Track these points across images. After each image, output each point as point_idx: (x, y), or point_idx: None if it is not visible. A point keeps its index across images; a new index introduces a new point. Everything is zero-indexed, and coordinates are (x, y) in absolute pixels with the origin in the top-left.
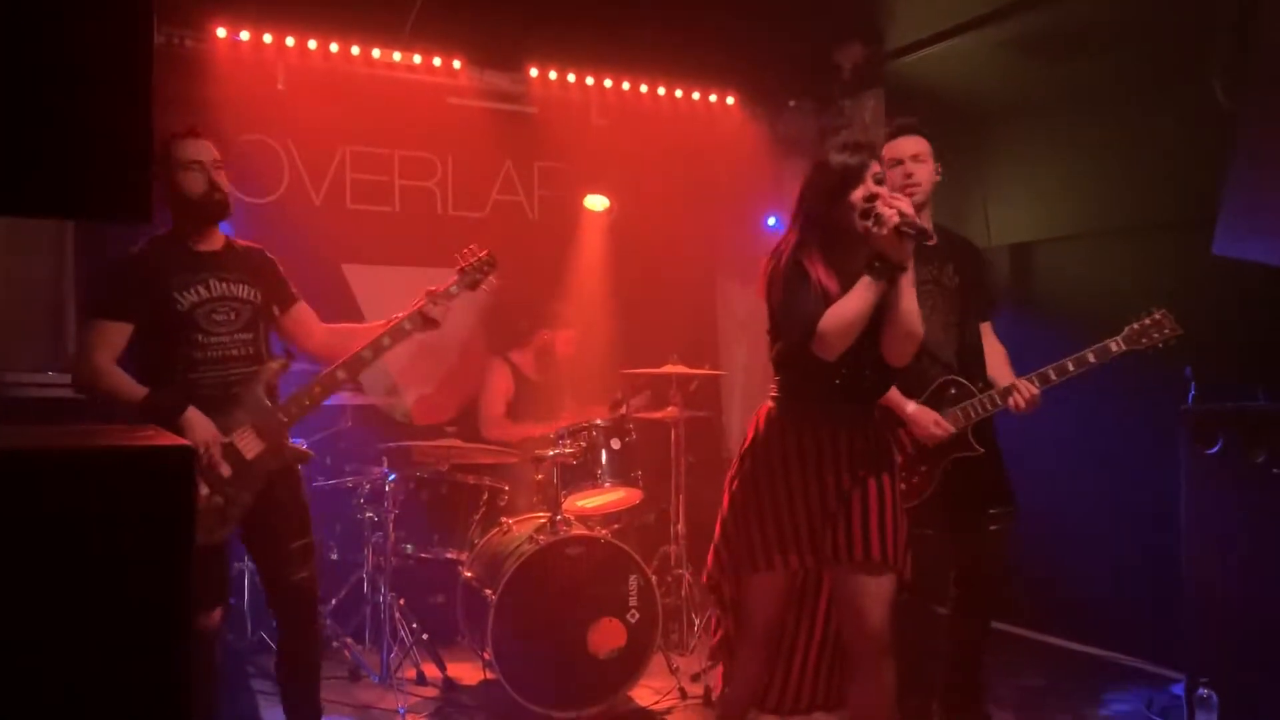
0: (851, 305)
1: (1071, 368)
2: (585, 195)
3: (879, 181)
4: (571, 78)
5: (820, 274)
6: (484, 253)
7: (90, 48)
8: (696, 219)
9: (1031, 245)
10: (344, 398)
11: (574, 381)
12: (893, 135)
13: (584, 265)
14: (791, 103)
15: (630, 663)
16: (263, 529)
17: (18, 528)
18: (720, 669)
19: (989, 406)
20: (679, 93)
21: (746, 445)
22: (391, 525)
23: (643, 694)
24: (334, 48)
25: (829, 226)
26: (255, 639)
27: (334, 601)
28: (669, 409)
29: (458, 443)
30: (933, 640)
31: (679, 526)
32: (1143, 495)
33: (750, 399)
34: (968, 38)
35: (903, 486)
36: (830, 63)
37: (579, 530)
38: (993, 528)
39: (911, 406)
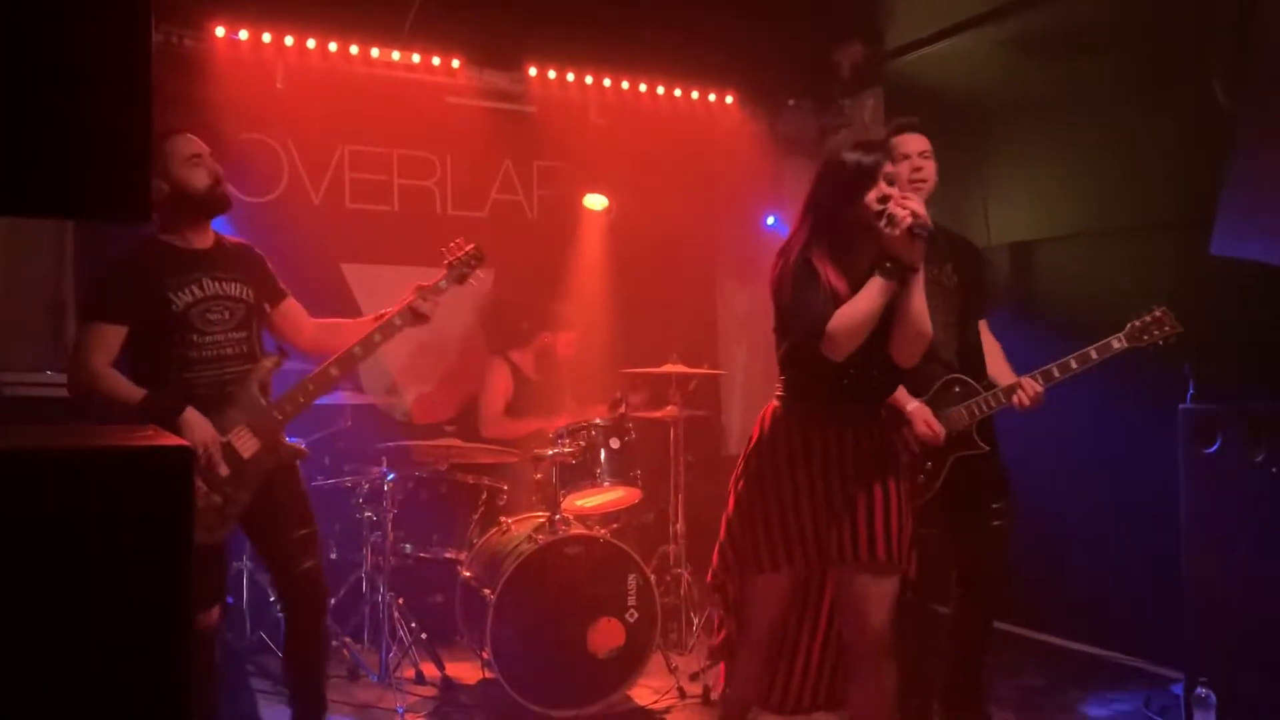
0: (862, 305)
1: (1074, 365)
2: (584, 194)
3: (890, 182)
4: (570, 77)
5: (830, 273)
6: (470, 246)
7: (89, 47)
8: (696, 218)
9: (1031, 244)
10: (343, 397)
11: (574, 381)
12: (897, 132)
13: (583, 264)
14: (791, 102)
15: (629, 662)
16: (264, 524)
17: (17, 527)
18: (721, 668)
19: (993, 404)
20: (678, 92)
21: (752, 445)
22: (390, 525)
23: (641, 693)
24: (333, 47)
25: (840, 226)
26: (255, 638)
27: (333, 601)
28: (668, 408)
29: (457, 442)
30: (933, 640)
31: (678, 526)
32: (1142, 494)
33: (749, 398)
34: (967, 37)
35: (908, 486)
36: (830, 62)
37: (578, 530)
38: (995, 523)
39: (912, 404)
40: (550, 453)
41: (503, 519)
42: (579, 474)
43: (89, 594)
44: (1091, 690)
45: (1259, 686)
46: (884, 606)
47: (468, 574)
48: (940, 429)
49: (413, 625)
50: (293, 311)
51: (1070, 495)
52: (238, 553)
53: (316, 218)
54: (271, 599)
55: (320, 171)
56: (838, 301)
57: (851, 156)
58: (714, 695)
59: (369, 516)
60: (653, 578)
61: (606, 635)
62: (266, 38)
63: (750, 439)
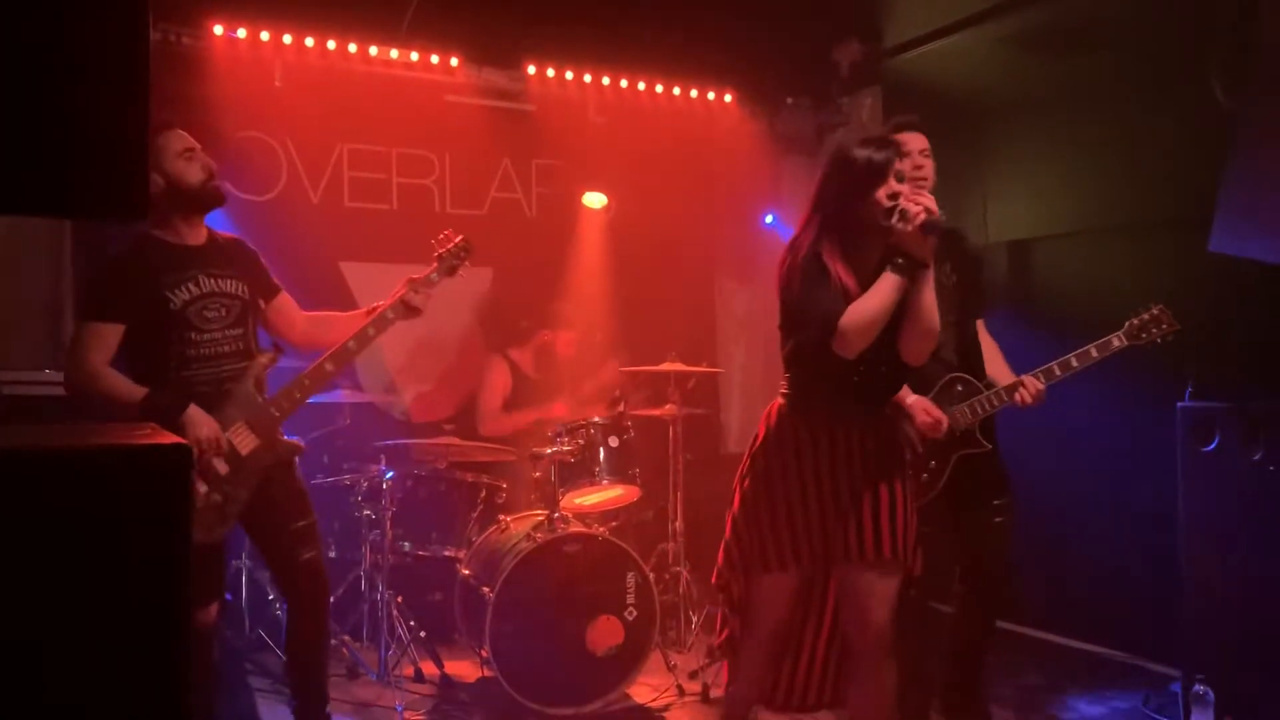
0: (874, 302)
1: (1075, 363)
2: (583, 193)
3: (900, 179)
4: (569, 75)
5: (840, 270)
6: (459, 238)
7: (87, 45)
8: (695, 216)
9: (1030, 243)
10: (342, 395)
11: (573, 379)
12: (896, 131)
13: (582, 263)
14: (790, 100)
15: (628, 660)
16: (263, 519)
17: (15, 526)
18: (724, 667)
19: (995, 403)
20: (677, 90)
21: (758, 443)
22: (389, 523)
23: (640, 691)
24: (331, 45)
25: (849, 222)
26: (253, 636)
27: (332, 599)
28: (667, 406)
29: (456, 440)
30: (934, 638)
31: (677, 524)
32: (1140, 493)
33: (748, 396)
34: (966, 35)
35: (913, 484)
36: (828, 60)
37: (577, 528)
38: (996, 520)
39: (911, 397)
40: (549, 451)
41: (501, 517)
42: (578, 472)
43: (88, 593)
44: (1090, 688)
45: (1257, 685)
46: (886, 604)
47: (466, 572)
48: (942, 416)
49: (411, 623)
50: (285, 306)
51: (1069, 494)
52: (236, 551)
53: (315, 216)
54: (270, 597)
55: (319, 170)
56: (848, 298)
57: (862, 153)
58: (713, 693)
59: (368, 515)
60: (651, 576)
61: (605, 633)
62: (265, 36)
63: (755, 437)
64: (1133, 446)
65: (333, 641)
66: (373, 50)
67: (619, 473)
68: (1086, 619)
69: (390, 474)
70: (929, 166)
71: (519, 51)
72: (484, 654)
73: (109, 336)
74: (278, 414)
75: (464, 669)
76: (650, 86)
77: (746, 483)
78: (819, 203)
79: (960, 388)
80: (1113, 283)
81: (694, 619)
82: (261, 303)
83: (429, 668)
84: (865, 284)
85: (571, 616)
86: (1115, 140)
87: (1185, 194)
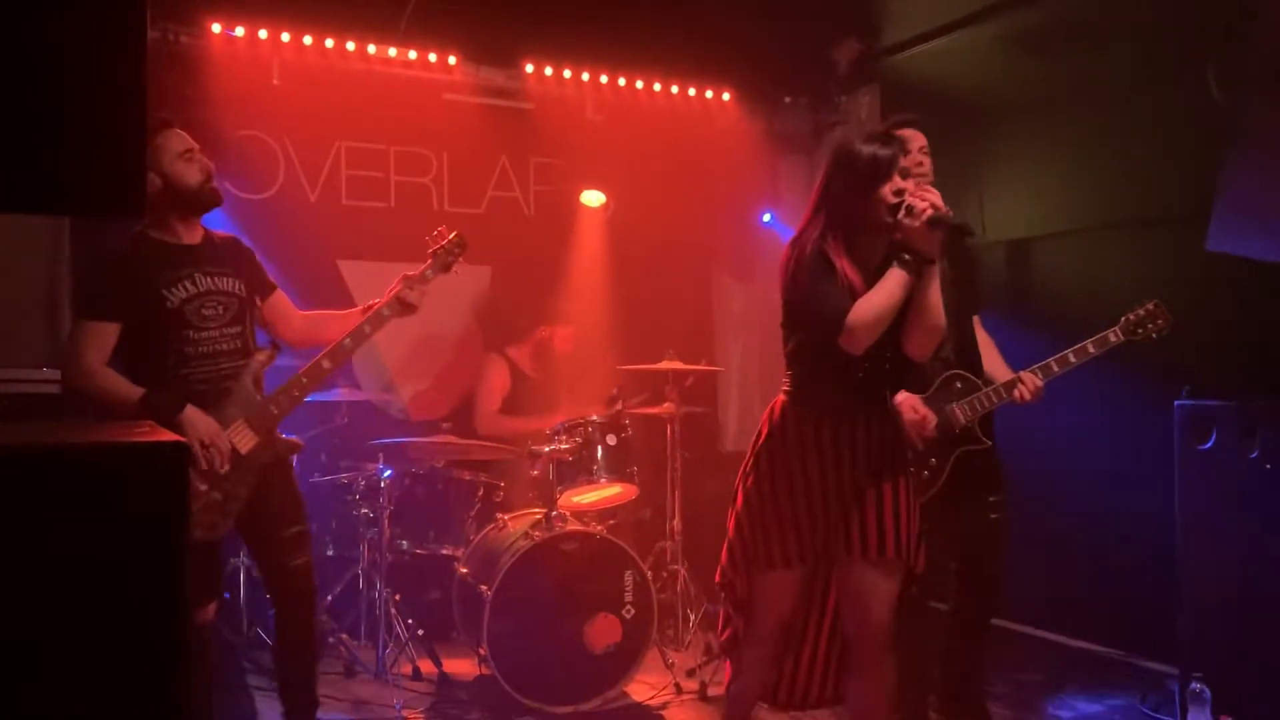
0: (881, 298)
1: (1072, 359)
2: (581, 191)
3: (905, 175)
4: (567, 73)
5: (845, 266)
6: (453, 234)
7: (84, 43)
8: (693, 215)
9: (1027, 241)
10: (340, 394)
11: (571, 378)
12: (897, 129)
13: (580, 261)
14: (788, 99)
15: (625, 658)
16: (258, 520)
17: (13, 524)
18: (726, 665)
19: (995, 400)
20: (675, 89)
21: (762, 440)
22: (387, 521)
23: (638, 689)
24: (329, 43)
25: (853, 218)
26: (251, 634)
27: (329, 597)
28: (665, 405)
29: (453, 439)
30: (931, 636)
31: (674, 522)
32: (1137, 491)
33: (746, 395)
34: (963, 33)
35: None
36: (826, 59)
37: (574, 526)
38: (992, 516)
39: (899, 395)
40: (547, 449)
41: (499, 515)
42: (576, 470)
43: (86, 591)
44: (1087, 686)
45: (1254, 682)
46: (887, 602)
47: (464, 570)
48: (929, 413)
49: (409, 621)
50: (281, 304)
51: (1066, 491)
52: (234, 549)
53: (313, 214)
54: (268, 595)
55: (317, 168)
56: (853, 295)
57: (867, 149)
58: (710, 691)
59: (365, 513)
60: (649, 574)
61: (603, 631)
62: (263, 34)
63: (759, 434)
64: (1130, 444)
65: (331, 640)
66: (371, 48)
67: (617, 471)
68: (1084, 617)
69: (388, 472)
70: (928, 165)
71: (517, 50)
72: (482, 652)
73: (106, 335)
74: (276, 412)
75: (462, 667)
76: (648, 85)
77: (750, 480)
78: (823, 199)
79: (959, 385)
80: (1110, 281)
81: (692, 617)
82: (258, 301)
83: (427, 666)
84: (870, 281)
85: (569, 615)
86: (1113, 138)
87: (1182, 192)
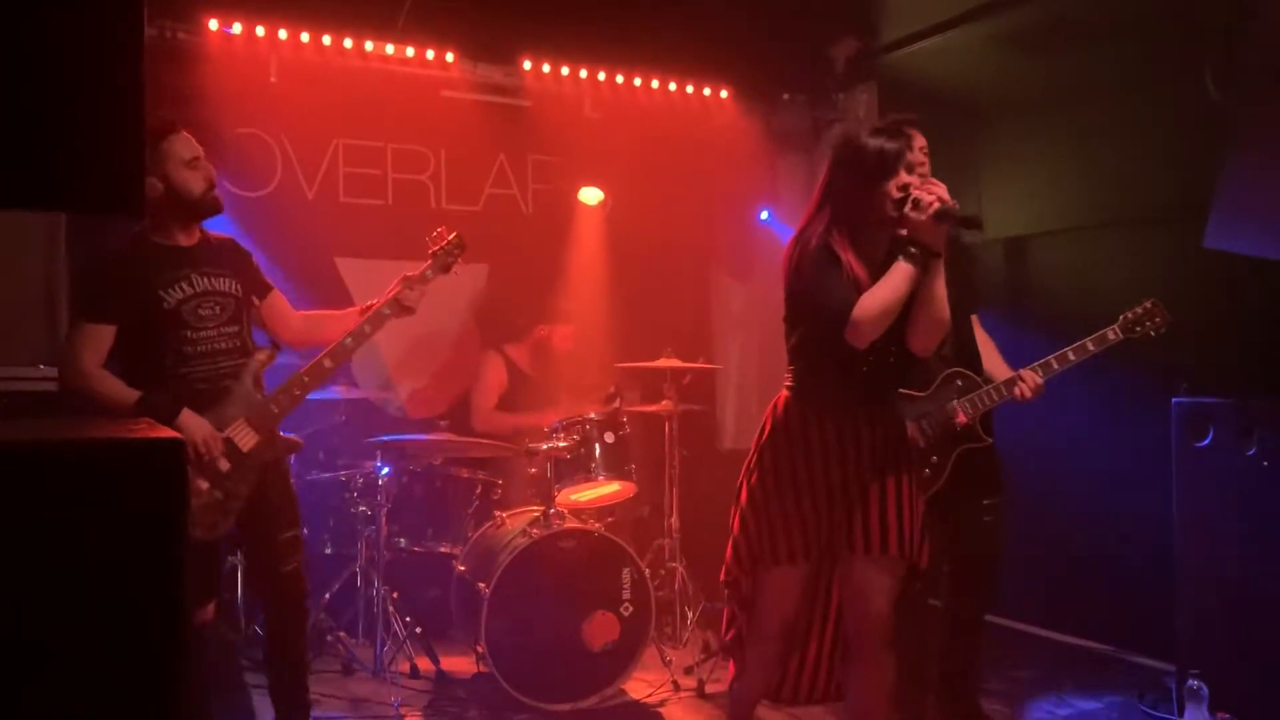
0: (887, 291)
1: (1072, 356)
2: (579, 189)
3: (910, 170)
4: (565, 71)
5: (850, 259)
6: (453, 235)
7: (81, 40)
8: (690, 212)
9: (1025, 239)
10: (338, 392)
11: (569, 376)
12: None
13: (578, 259)
14: (786, 96)
15: (623, 656)
16: (256, 521)
17: (10, 521)
18: (730, 663)
19: (995, 397)
20: (673, 86)
21: (765, 436)
22: (385, 519)
23: (636, 687)
24: (326, 40)
25: (858, 213)
26: (249, 632)
27: (327, 595)
28: (663, 402)
29: (451, 436)
30: (928, 632)
31: (672, 520)
32: (1135, 488)
33: (744, 392)
34: (961, 31)
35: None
36: (824, 57)
37: (572, 524)
38: (986, 519)
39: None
40: (545, 447)
41: (497, 513)
42: (574, 468)
43: (83, 588)
44: (1083, 683)
45: (1251, 679)
46: (887, 598)
47: (462, 568)
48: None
49: (407, 619)
50: (279, 304)
51: (1063, 489)
52: (231, 548)
53: (310, 212)
54: (258, 597)
55: (314, 165)
56: (859, 289)
57: (874, 143)
58: (708, 688)
59: (363, 511)
60: (647, 571)
61: (601, 629)
62: (260, 31)
63: (762, 430)
64: (1127, 442)
65: (328, 637)
66: (368, 45)
67: (615, 469)
68: (1081, 614)
69: (386, 470)
70: (927, 165)
71: (515, 47)
72: (480, 649)
73: (102, 337)
74: (277, 410)
75: (460, 664)
76: (646, 82)
77: (754, 477)
78: (828, 193)
79: (960, 382)
80: (1108, 279)
81: (689, 614)
82: (255, 301)
83: (425, 663)
84: (874, 276)
85: (567, 612)
86: (1110, 136)
87: (1179, 189)
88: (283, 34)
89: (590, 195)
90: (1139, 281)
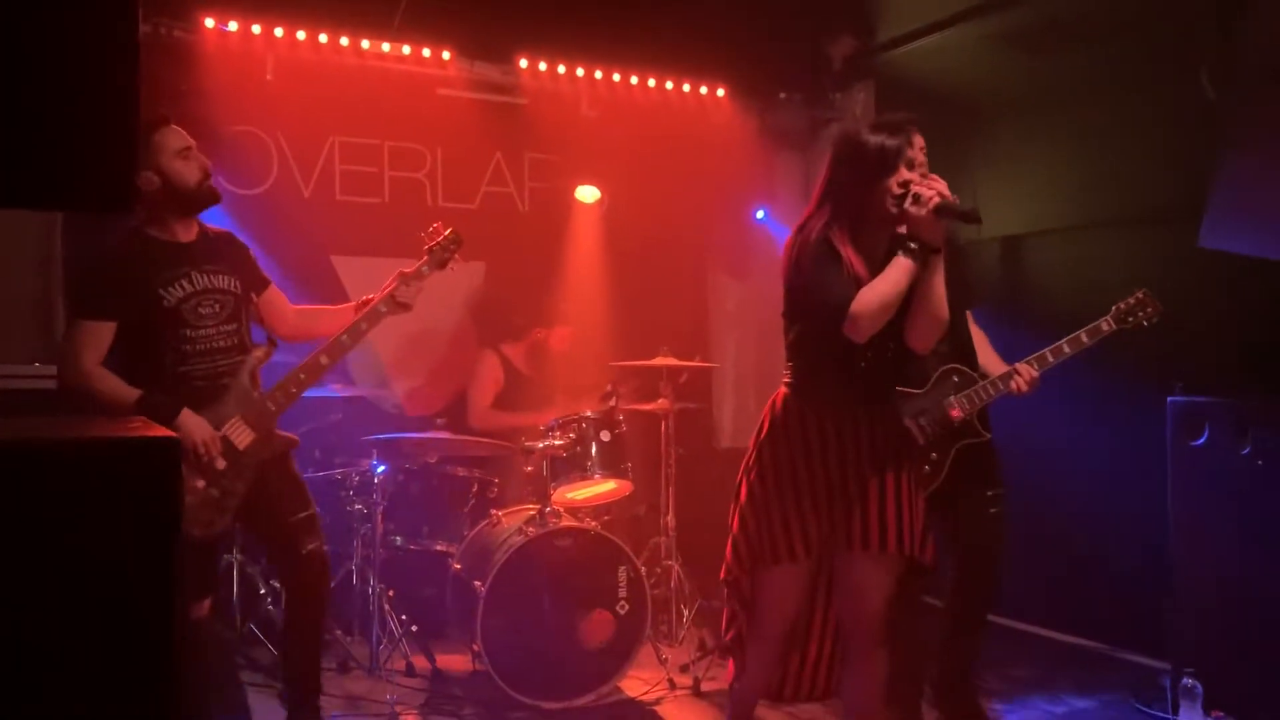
0: (886, 285)
1: (1066, 349)
2: (576, 187)
3: (911, 166)
4: (562, 69)
5: (851, 255)
6: (449, 231)
7: (76, 37)
8: (687, 211)
9: (1021, 238)
10: (334, 389)
11: (566, 374)
12: None
13: (574, 257)
14: (782, 95)
15: (619, 654)
16: (261, 512)
17: (3, 520)
18: (730, 663)
19: (992, 392)
20: (669, 84)
21: (764, 433)
22: (380, 517)
23: (632, 685)
24: (323, 38)
25: (859, 209)
26: (245, 630)
27: None
28: (659, 401)
29: (447, 435)
30: (926, 631)
31: (668, 518)
32: (1130, 487)
33: (741, 391)
34: (958, 30)
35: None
36: (821, 55)
37: (568, 522)
38: (991, 510)
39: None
40: (541, 445)
41: (493, 511)
42: (570, 466)
43: (76, 586)
44: (1079, 681)
45: (1245, 677)
46: (882, 595)
47: (458, 566)
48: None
49: (403, 617)
50: (276, 299)
51: (1059, 487)
52: (226, 546)
53: (307, 210)
54: (262, 591)
55: (310, 163)
56: (858, 284)
57: (875, 139)
58: (704, 686)
59: (359, 509)
60: (643, 570)
61: (597, 627)
62: (256, 29)
63: (760, 427)
64: (1123, 441)
65: (324, 635)
66: (364, 44)
67: (611, 467)
68: (1076, 612)
69: (382, 468)
70: (925, 165)
71: (511, 45)
72: (476, 648)
73: (101, 335)
74: (274, 408)
75: (456, 663)
76: (643, 81)
77: (753, 474)
78: (828, 189)
79: (956, 378)
80: (1103, 278)
81: (685, 613)
82: (253, 296)
83: (421, 662)
84: (874, 273)
85: (563, 610)
86: (1106, 136)
87: (1176, 189)
88: (279, 32)
89: (587, 193)
90: (1134, 280)
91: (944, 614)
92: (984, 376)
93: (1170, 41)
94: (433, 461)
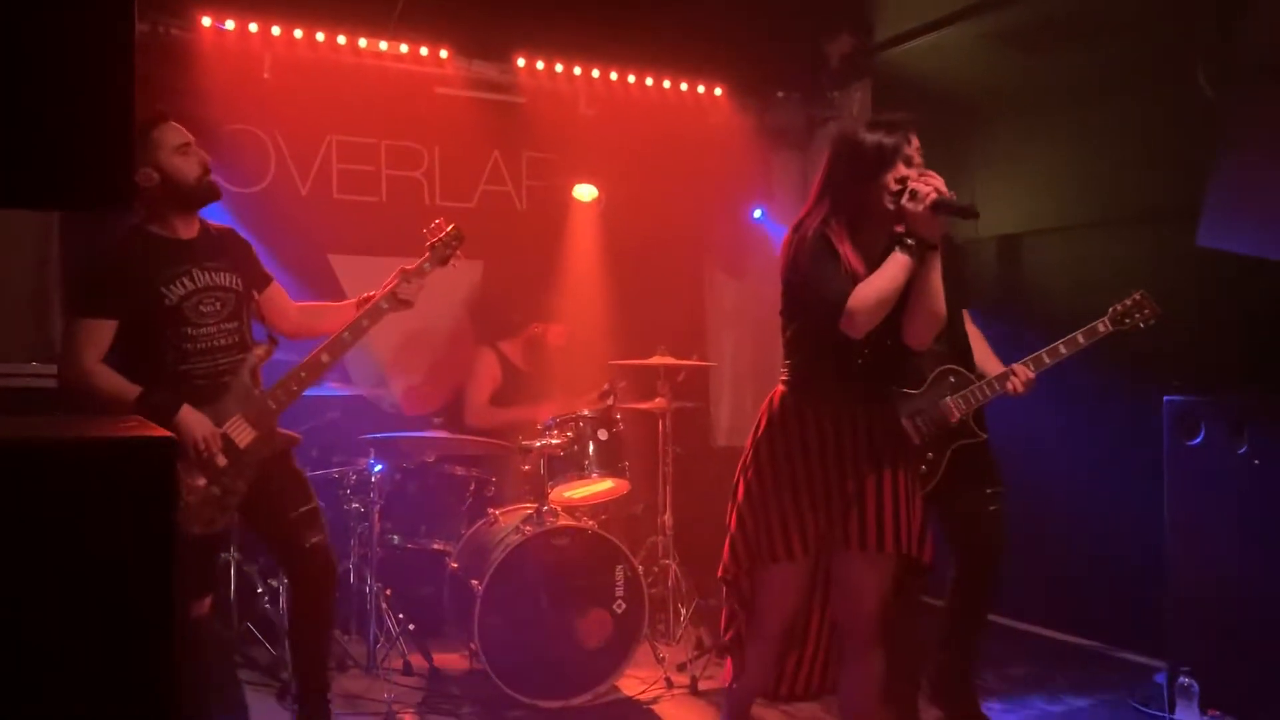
0: (883, 281)
1: (1063, 350)
2: (574, 185)
3: (908, 163)
4: (560, 68)
5: (848, 252)
6: (451, 227)
7: (71, 35)
8: (685, 209)
9: (1018, 237)
10: (332, 388)
11: (564, 372)
12: None
13: (572, 256)
14: (780, 94)
15: (616, 653)
16: (262, 510)
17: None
18: (728, 663)
19: (988, 392)
20: (667, 83)
21: (761, 431)
22: (378, 516)
23: (629, 684)
24: (320, 37)
25: (857, 206)
26: (242, 629)
27: None
28: (657, 400)
29: (445, 433)
30: (924, 630)
31: (666, 517)
32: (1126, 486)
33: (738, 390)
34: (955, 29)
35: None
36: (819, 54)
37: (566, 521)
38: (991, 508)
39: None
40: (538, 444)
41: (491, 510)
42: (567, 465)
43: (72, 585)
44: (1075, 680)
45: (1241, 676)
46: (878, 594)
47: (455, 565)
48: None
49: (400, 616)
50: (278, 296)
51: (1055, 486)
52: (224, 544)
53: (304, 208)
54: (259, 590)
55: (308, 162)
56: (855, 280)
57: (872, 137)
58: (701, 685)
59: (356, 508)
60: (640, 569)
61: (594, 626)
62: (253, 28)
63: (757, 425)
64: (1119, 440)
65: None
66: (362, 42)
67: (608, 466)
68: (1072, 611)
69: (379, 467)
70: (921, 165)
71: (509, 43)
72: (473, 647)
73: (102, 333)
74: (275, 406)
75: (453, 661)
76: (641, 79)
77: (750, 473)
78: (826, 186)
79: (953, 379)
80: (1100, 277)
81: (683, 612)
82: (255, 293)
83: (418, 660)
84: (872, 269)
85: (560, 609)
86: (1104, 134)
87: (1173, 187)
88: (276, 30)
89: (584, 192)
90: (1132, 280)
91: (943, 613)
92: (981, 377)
93: (1168, 40)
94: (430, 460)
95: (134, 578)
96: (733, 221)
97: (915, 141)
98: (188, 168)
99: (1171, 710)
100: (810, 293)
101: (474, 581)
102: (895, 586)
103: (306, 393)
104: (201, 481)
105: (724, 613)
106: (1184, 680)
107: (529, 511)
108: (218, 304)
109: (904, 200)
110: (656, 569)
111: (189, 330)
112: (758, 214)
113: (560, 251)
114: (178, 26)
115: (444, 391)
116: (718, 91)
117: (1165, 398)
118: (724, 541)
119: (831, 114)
